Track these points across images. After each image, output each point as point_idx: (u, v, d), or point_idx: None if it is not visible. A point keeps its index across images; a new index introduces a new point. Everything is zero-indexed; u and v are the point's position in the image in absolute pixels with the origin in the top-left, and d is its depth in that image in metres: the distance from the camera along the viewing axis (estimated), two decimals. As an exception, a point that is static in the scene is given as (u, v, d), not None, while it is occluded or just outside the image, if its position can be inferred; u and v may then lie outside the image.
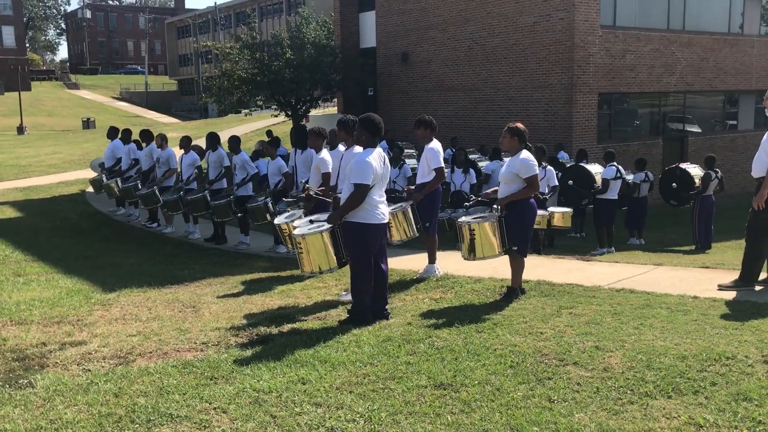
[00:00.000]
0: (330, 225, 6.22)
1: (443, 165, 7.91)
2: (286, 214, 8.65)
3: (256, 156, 13.65)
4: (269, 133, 22.21)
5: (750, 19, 24.21)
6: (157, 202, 13.20)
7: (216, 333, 6.05)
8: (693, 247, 13.03)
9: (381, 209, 6.06)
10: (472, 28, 22.24)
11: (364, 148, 6.10)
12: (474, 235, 6.61)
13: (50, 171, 25.83)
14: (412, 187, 8.41)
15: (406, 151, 17.20)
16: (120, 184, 14.29)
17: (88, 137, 41.43)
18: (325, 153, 8.56)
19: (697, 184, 12.98)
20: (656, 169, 18.04)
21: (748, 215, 6.58)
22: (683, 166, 13.65)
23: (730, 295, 6.43)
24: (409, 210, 7.74)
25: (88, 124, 54.16)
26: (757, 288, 6.61)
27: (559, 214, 10.97)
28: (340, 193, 6.74)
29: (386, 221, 6.20)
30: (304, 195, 8.50)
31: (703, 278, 7.33)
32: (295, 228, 6.91)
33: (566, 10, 19.34)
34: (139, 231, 14.04)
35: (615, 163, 12.73)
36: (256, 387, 4.52)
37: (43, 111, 63.10)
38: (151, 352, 5.54)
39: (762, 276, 6.73)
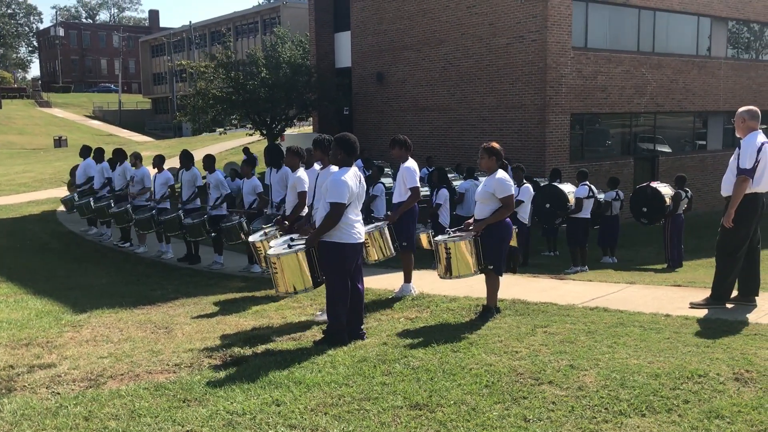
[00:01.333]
0: (306, 246, 6.19)
1: (419, 184, 7.95)
2: (261, 232, 8.61)
3: (233, 176, 13.59)
4: (246, 150, 22.14)
5: (717, 42, 24.79)
6: (129, 221, 13.06)
7: (189, 354, 5.97)
8: (665, 266, 13.20)
9: (357, 228, 6.05)
10: (446, 49, 22.47)
11: (339, 168, 6.10)
12: (450, 253, 6.63)
13: (20, 190, 25.44)
14: (389, 213, 8.44)
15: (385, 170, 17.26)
16: (93, 203, 14.12)
17: (59, 156, 40.93)
18: (301, 172, 8.55)
19: (668, 203, 13.17)
20: (628, 188, 18.29)
21: (718, 234, 6.69)
22: (654, 185, 13.86)
23: (702, 313, 6.51)
24: (386, 229, 7.75)
25: (59, 142, 53.53)
26: (728, 306, 6.69)
27: None
28: (316, 211, 6.72)
29: (362, 240, 6.19)
30: (279, 219, 8.48)
31: (675, 296, 7.42)
32: (270, 247, 6.87)
33: (539, 32, 19.63)
34: (111, 251, 13.86)
35: (587, 182, 12.89)
36: (230, 409, 4.46)
37: (13, 129, 62.27)
38: (122, 375, 5.45)
39: (733, 294, 6.82)
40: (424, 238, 10.20)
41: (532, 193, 12.34)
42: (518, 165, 12.25)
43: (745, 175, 6.37)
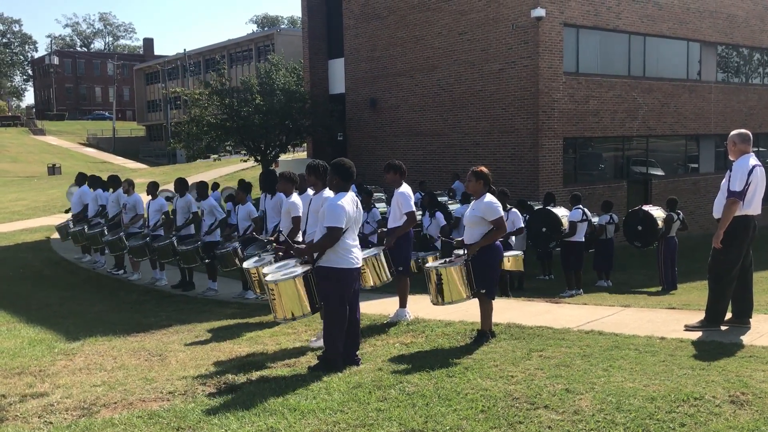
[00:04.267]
0: (302, 270, 6.18)
1: (414, 209, 7.97)
2: (255, 258, 8.59)
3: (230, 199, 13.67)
4: (241, 181, 22.14)
5: (707, 66, 25.07)
6: (123, 248, 13.02)
7: (183, 382, 5.93)
8: (659, 288, 13.21)
9: (354, 253, 6.05)
10: (439, 74, 22.65)
11: (335, 193, 6.11)
12: (441, 279, 6.63)
13: (14, 218, 25.38)
14: (384, 229, 8.44)
15: (375, 195, 17.28)
16: (86, 230, 14.10)
17: (53, 183, 40.91)
18: (295, 197, 8.57)
19: (660, 226, 13.22)
20: (621, 211, 18.35)
21: (709, 257, 6.72)
22: (646, 208, 13.93)
23: (697, 335, 6.51)
24: (382, 255, 7.75)
25: (53, 170, 53.52)
26: (723, 328, 6.70)
27: (511, 258, 11.00)
28: (311, 236, 6.73)
29: (359, 266, 6.17)
30: (273, 239, 8.46)
31: (670, 319, 7.43)
32: (266, 274, 6.85)
33: (530, 58, 19.83)
34: (104, 278, 13.81)
35: (581, 206, 12.94)
36: (224, 437, 4.42)
37: (7, 157, 62.27)
38: (115, 403, 5.41)
39: (727, 316, 6.83)
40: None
41: (521, 216, 12.36)
42: (502, 189, 12.07)
43: (735, 197, 6.42)
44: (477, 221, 6.58)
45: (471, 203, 6.88)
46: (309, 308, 6.19)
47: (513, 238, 11.81)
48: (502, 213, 6.66)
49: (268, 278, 6.41)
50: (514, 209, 11.94)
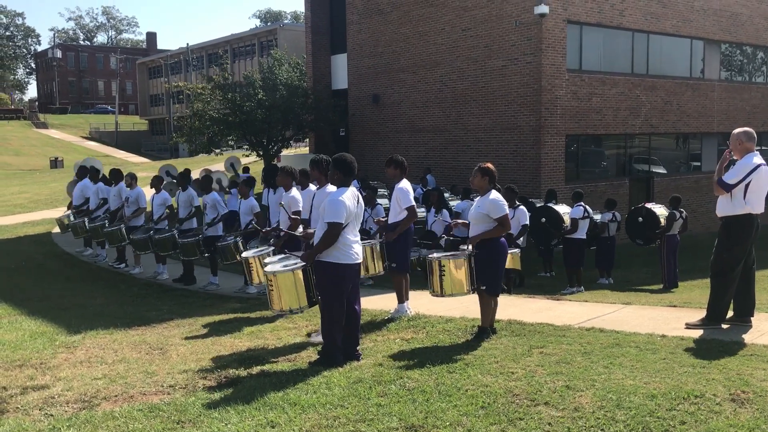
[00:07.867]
0: (303, 263, 6.18)
1: (414, 203, 7.97)
2: (255, 249, 8.59)
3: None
4: (246, 169, 22.11)
5: (710, 64, 25.01)
6: (122, 240, 13.03)
7: (184, 375, 5.93)
8: (660, 286, 13.19)
9: (355, 249, 6.04)
10: (441, 71, 22.62)
11: (337, 188, 6.11)
12: (444, 271, 6.63)
13: (16, 211, 25.40)
14: (383, 218, 8.43)
15: (379, 191, 17.25)
16: (87, 223, 14.10)
17: (56, 177, 40.93)
18: (294, 191, 8.56)
19: (663, 224, 13.20)
20: (623, 209, 18.33)
21: (712, 255, 6.71)
22: (648, 206, 13.91)
23: (698, 333, 6.51)
24: (378, 247, 7.75)
25: (56, 163, 53.56)
26: (724, 326, 6.69)
27: (508, 255, 10.92)
28: (314, 231, 6.73)
29: (360, 261, 6.17)
30: (272, 231, 8.46)
31: (671, 317, 7.42)
32: (265, 264, 6.85)
33: (533, 54, 19.80)
34: (106, 271, 13.81)
35: (582, 203, 12.92)
36: (224, 431, 4.43)
37: (9, 150, 62.30)
38: (116, 396, 5.42)
39: (729, 314, 6.82)
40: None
41: (528, 213, 12.32)
42: (510, 186, 12.07)
43: (722, 187, 6.52)
44: (482, 218, 6.56)
45: (476, 200, 6.87)
46: (306, 302, 6.19)
47: (522, 238, 11.77)
48: (507, 211, 6.65)
49: (267, 269, 6.41)
50: (522, 206, 11.89)
